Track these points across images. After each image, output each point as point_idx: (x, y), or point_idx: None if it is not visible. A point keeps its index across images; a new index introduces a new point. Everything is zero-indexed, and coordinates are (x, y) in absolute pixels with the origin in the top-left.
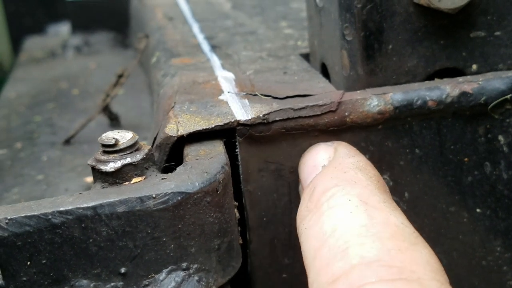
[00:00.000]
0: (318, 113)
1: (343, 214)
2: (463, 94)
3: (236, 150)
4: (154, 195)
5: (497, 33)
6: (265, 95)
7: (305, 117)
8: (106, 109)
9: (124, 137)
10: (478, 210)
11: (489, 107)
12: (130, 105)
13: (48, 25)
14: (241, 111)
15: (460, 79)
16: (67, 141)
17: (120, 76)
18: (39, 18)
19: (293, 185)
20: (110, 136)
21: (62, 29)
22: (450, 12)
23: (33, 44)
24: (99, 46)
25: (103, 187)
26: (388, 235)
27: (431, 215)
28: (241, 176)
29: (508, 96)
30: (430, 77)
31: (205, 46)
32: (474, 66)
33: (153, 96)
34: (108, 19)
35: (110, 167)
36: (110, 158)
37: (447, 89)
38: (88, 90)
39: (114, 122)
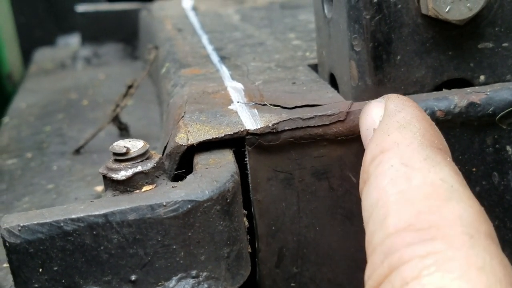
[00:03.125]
0: (327, 122)
1: (385, 182)
2: (471, 104)
3: (245, 159)
4: (164, 203)
5: (505, 44)
6: (274, 105)
7: (314, 126)
8: (116, 119)
9: (135, 145)
10: None
11: (497, 117)
12: (139, 115)
13: (58, 36)
14: (250, 120)
15: (468, 89)
16: (77, 151)
17: (129, 87)
18: (49, 30)
19: (301, 194)
20: (121, 144)
21: (72, 41)
22: (458, 23)
23: (43, 56)
24: (108, 58)
25: (114, 195)
26: (421, 196)
27: None
28: (250, 185)
29: None
30: (438, 88)
31: (214, 57)
32: (482, 77)
33: (163, 106)
34: (118, 31)
35: (121, 175)
36: (121, 166)
37: (455, 99)
38: (98, 100)
39: (124, 132)
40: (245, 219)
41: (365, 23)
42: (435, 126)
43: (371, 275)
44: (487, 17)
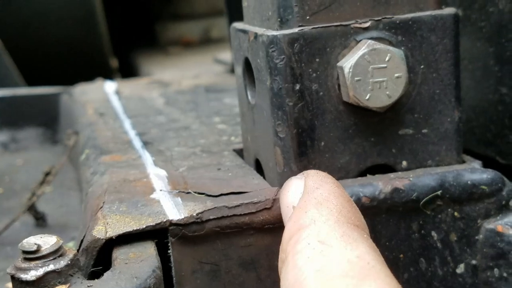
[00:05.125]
0: (253, 210)
1: (302, 261)
2: (395, 190)
3: (169, 251)
4: None
5: (424, 130)
6: (199, 193)
7: (240, 215)
8: (32, 209)
9: (47, 242)
10: None
11: (421, 203)
12: (59, 203)
13: None
14: (174, 210)
15: (392, 175)
16: None
17: (47, 174)
18: None
19: (229, 286)
20: (31, 241)
21: None
22: (378, 111)
23: None
24: (27, 142)
25: None
26: (338, 275)
27: None
28: (174, 278)
29: (439, 192)
30: (362, 173)
31: (137, 143)
32: (404, 163)
33: (82, 194)
34: (37, 115)
35: (31, 275)
36: (31, 265)
37: (380, 185)
38: (14, 188)
39: (40, 221)
40: None
41: (288, 109)
42: (353, 202)
43: None
44: (406, 104)
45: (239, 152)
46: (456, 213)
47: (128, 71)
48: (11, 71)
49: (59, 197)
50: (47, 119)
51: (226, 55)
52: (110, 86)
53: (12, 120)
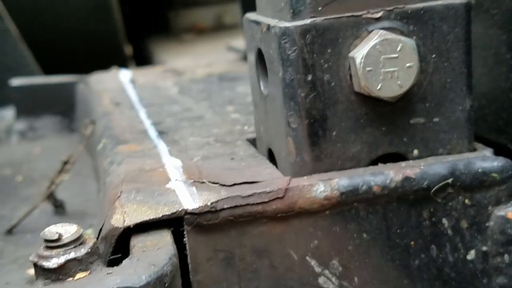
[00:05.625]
0: (266, 200)
1: None
2: (406, 179)
3: (184, 239)
4: None
5: (436, 119)
6: (213, 182)
7: (253, 204)
8: (51, 197)
9: (68, 231)
10: None
11: (432, 191)
12: (76, 191)
13: None
14: (189, 199)
15: (403, 164)
16: (9, 231)
17: (65, 163)
18: None
19: (243, 273)
20: (53, 230)
21: (6, 114)
22: (389, 100)
23: None
24: (44, 131)
25: (46, 284)
26: None
27: None
28: (189, 266)
29: (449, 180)
30: (373, 162)
31: (152, 132)
32: (416, 151)
33: (100, 183)
34: (54, 104)
35: (53, 263)
36: (53, 253)
37: (391, 174)
38: (32, 176)
39: (59, 209)
40: None
41: (300, 100)
42: None
43: None
44: (417, 94)
45: (252, 142)
46: (467, 201)
47: (141, 58)
48: (28, 60)
49: (77, 185)
50: (63, 108)
51: (239, 43)
52: (125, 75)
53: (30, 108)
